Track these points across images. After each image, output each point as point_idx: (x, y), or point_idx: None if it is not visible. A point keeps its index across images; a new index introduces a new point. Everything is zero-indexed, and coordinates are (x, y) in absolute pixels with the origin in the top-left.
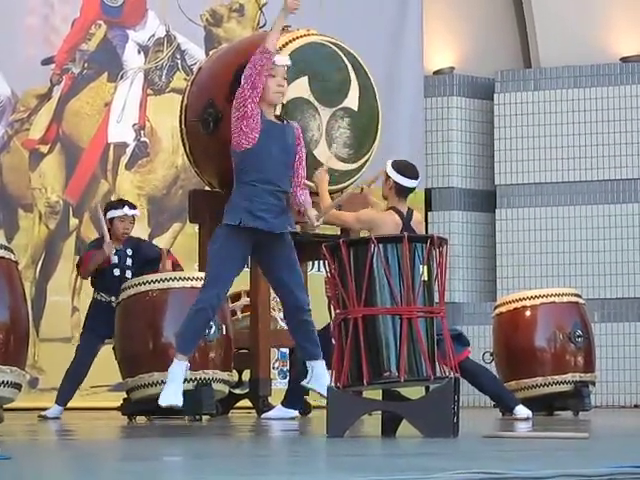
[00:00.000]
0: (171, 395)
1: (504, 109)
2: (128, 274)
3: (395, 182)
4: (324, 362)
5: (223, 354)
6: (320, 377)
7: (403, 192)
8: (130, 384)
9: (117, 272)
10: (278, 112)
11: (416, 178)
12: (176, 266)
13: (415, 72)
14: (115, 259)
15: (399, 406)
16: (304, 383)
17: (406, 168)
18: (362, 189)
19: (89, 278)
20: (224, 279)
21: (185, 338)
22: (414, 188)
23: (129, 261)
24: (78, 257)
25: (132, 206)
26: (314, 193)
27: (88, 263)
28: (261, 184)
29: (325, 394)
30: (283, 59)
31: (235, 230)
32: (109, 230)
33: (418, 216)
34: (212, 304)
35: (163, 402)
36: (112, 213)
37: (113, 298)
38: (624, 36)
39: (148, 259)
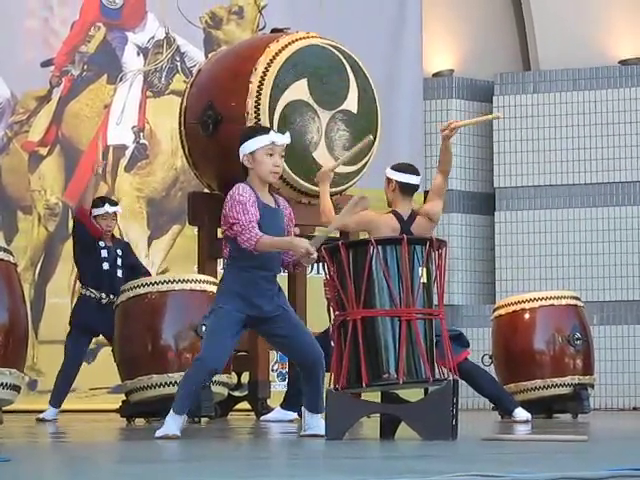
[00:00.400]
0: (167, 430)
1: (503, 111)
2: (119, 273)
3: (398, 182)
4: (321, 416)
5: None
6: (314, 427)
7: (408, 191)
8: (129, 386)
9: (106, 266)
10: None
11: (417, 175)
12: None
13: (414, 74)
14: (105, 253)
15: (398, 408)
16: (302, 433)
17: (406, 167)
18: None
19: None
20: (221, 350)
21: (181, 399)
22: (418, 185)
23: (119, 261)
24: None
25: (113, 203)
26: (316, 195)
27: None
28: (255, 270)
29: (322, 433)
30: (283, 138)
31: (230, 312)
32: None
33: (422, 224)
34: (209, 369)
35: (158, 433)
36: (94, 211)
37: (103, 295)
38: (623, 39)
39: (132, 266)
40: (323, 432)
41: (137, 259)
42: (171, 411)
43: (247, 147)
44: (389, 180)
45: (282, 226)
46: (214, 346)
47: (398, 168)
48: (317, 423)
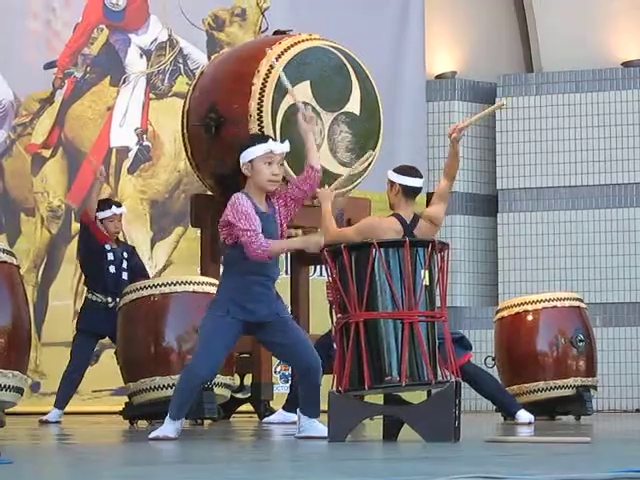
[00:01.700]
0: (165, 431)
1: (506, 113)
2: (124, 275)
3: (401, 185)
4: (318, 420)
5: (225, 358)
6: (309, 429)
7: (410, 193)
8: (132, 388)
9: (113, 269)
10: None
11: (420, 177)
12: None
13: (417, 76)
14: (111, 256)
15: (400, 410)
16: (297, 435)
17: (408, 169)
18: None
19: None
20: (215, 356)
21: (175, 403)
22: (420, 188)
23: (124, 264)
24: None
25: (118, 204)
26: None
27: (88, 211)
28: (249, 275)
29: (321, 434)
30: (282, 147)
31: (224, 317)
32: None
33: (423, 228)
34: (202, 376)
35: (153, 434)
36: (100, 215)
37: (109, 299)
38: (626, 41)
39: (137, 270)
40: (319, 433)
41: (142, 264)
42: (167, 417)
43: (246, 156)
44: (392, 183)
45: (275, 226)
46: (205, 357)
47: (401, 171)
48: (311, 426)
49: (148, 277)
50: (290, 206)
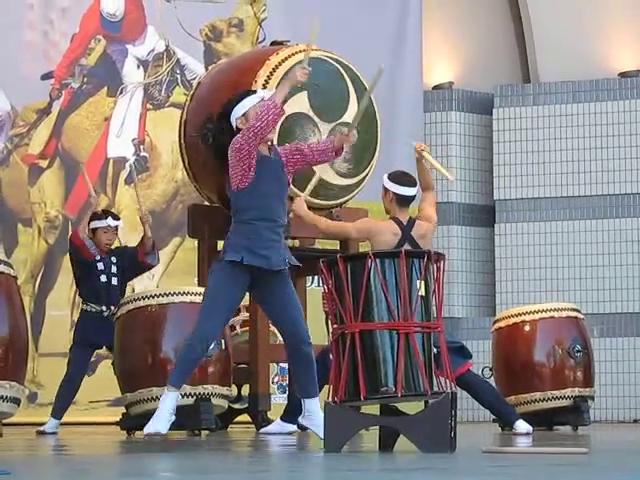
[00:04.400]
0: (157, 424)
1: (503, 124)
2: (114, 281)
3: (395, 193)
4: (318, 399)
5: (222, 369)
6: (313, 415)
7: (404, 202)
8: (129, 399)
9: (104, 278)
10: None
11: (414, 186)
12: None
13: (414, 87)
14: (101, 266)
15: (396, 421)
16: (299, 419)
17: (402, 177)
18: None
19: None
20: (220, 313)
21: (177, 371)
22: (414, 196)
23: (114, 268)
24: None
25: (115, 217)
26: (317, 208)
27: (78, 232)
28: (260, 221)
29: (320, 434)
30: (271, 93)
31: (234, 267)
32: (91, 239)
33: (423, 227)
34: (206, 337)
35: (147, 430)
36: (96, 224)
37: (103, 307)
38: (622, 51)
39: (130, 258)
40: (321, 426)
41: (132, 248)
42: (166, 389)
43: (238, 110)
44: (386, 190)
45: (280, 173)
46: (208, 324)
47: (395, 179)
48: (316, 409)
49: (142, 259)
50: (294, 158)
